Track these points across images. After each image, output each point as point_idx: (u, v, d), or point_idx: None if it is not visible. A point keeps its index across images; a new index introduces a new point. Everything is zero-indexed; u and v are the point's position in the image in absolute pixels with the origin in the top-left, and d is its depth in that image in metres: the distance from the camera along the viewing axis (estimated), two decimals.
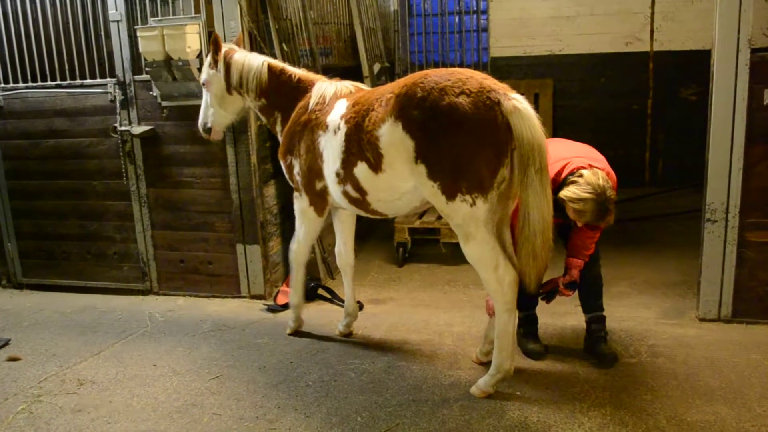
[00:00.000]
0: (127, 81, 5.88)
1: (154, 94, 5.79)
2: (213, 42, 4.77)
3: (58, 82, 6.11)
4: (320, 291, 5.95)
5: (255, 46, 5.76)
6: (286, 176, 4.82)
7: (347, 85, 4.58)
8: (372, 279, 6.48)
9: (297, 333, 5.16)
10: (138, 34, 5.51)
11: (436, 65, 9.87)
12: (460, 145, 3.68)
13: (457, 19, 9.99)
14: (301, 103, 4.63)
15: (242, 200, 5.79)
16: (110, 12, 5.78)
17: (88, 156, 6.17)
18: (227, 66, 4.78)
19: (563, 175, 4.05)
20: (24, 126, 6.28)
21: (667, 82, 9.24)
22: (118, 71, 5.89)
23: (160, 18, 5.59)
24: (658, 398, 4.00)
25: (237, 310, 5.80)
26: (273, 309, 5.65)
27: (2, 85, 6.27)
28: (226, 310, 5.82)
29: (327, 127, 4.37)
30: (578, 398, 4.05)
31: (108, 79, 5.96)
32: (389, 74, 9.10)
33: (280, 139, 4.81)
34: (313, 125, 4.48)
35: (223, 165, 5.79)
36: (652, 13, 9.17)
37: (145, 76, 5.78)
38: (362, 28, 8.34)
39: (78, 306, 6.13)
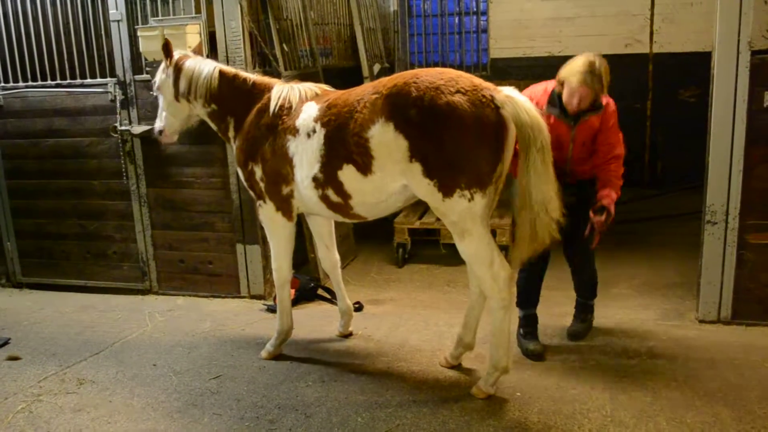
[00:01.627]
0: (128, 80, 5.88)
1: (155, 93, 5.77)
2: (164, 47, 4.68)
3: (59, 81, 6.11)
4: (320, 291, 5.95)
5: (256, 46, 5.77)
6: (245, 184, 4.69)
7: (311, 87, 4.48)
8: (372, 279, 6.48)
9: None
10: (138, 33, 5.52)
11: (436, 66, 9.85)
12: (460, 141, 3.70)
13: (456, 20, 10.00)
14: (258, 107, 4.53)
15: (242, 200, 5.79)
16: (111, 11, 5.78)
17: (88, 155, 6.17)
18: (177, 73, 4.70)
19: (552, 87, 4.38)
20: (24, 125, 6.28)
21: (666, 83, 9.26)
22: (119, 71, 5.89)
23: (160, 18, 5.60)
24: (658, 399, 4.01)
25: (237, 310, 5.80)
26: (273, 309, 5.63)
27: (2, 84, 6.27)
28: (226, 309, 5.83)
29: (297, 131, 4.27)
30: (578, 399, 4.05)
31: (108, 79, 5.97)
32: (389, 75, 9.09)
33: (232, 144, 4.72)
34: (279, 129, 4.37)
35: (223, 165, 5.79)
36: (652, 15, 9.18)
37: (145, 76, 5.77)
38: (362, 29, 8.35)
39: (78, 305, 6.13)
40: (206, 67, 4.66)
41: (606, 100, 4.42)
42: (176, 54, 4.74)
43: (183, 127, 5.03)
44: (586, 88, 4.18)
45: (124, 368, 4.78)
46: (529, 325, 4.77)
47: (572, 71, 4.21)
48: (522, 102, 3.73)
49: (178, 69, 4.70)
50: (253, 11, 5.77)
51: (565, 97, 4.29)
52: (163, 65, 4.78)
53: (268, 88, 4.56)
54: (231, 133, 4.72)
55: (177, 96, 4.76)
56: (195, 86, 4.65)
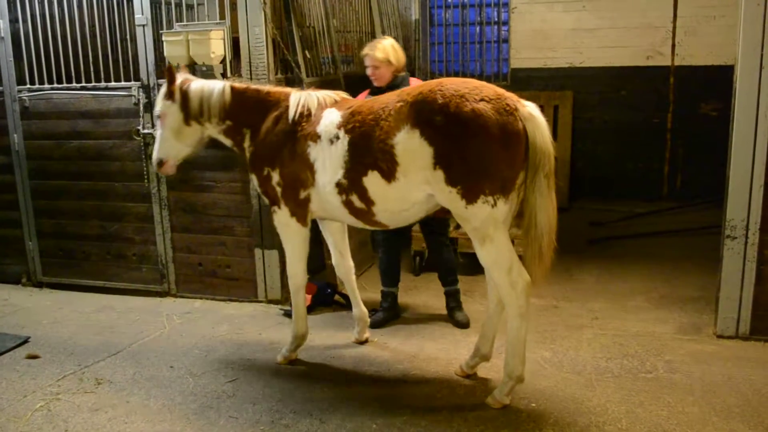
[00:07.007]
0: (151, 84, 5.94)
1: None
2: (167, 71, 4.64)
3: (83, 84, 6.18)
4: (337, 297, 5.98)
5: (278, 52, 5.82)
6: (259, 189, 4.70)
7: (329, 94, 4.51)
8: None
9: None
10: (163, 38, 5.58)
11: (456, 75, 9.89)
12: (485, 148, 3.75)
13: (478, 29, 10.03)
14: (274, 114, 4.54)
15: (261, 205, 5.83)
16: (136, 16, 5.84)
17: (111, 158, 6.24)
18: (184, 96, 4.61)
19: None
20: (48, 127, 6.36)
21: (687, 96, 9.20)
22: (143, 74, 5.95)
23: (185, 23, 5.66)
24: (675, 415, 3.99)
25: (254, 314, 5.83)
26: (290, 314, 5.63)
27: (28, 86, 6.35)
28: (243, 313, 5.86)
29: (318, 137, 4.30)
30: (594, 412, 4.04)
31: (132, 83, 6.03)
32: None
33: (246, 154, 4.68)
34: (298, 135, 4.40)
35: (243, 170, 5.81)
36: (674, 28, 9.14)
37: None
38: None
39: (96, 306, 6.20)
40: (216, 85, 4.64)
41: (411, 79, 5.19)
42: (179, 78, 4.68)
43: (193, 152, 4.90)
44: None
45: (141, 369, 4.83)
46: (386, 301, 5.53)
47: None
48: (541, 124, 3.82)
49: (184, 92, 4.63)
50: (276, 18, 5.81)
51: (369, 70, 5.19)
52: (164, 91, 4.69)
53: (284, 96, 4.59)
54: (246, 143, 4.68)
55: (187, 120, 4.67)
56: (208, 105, 4.60)
